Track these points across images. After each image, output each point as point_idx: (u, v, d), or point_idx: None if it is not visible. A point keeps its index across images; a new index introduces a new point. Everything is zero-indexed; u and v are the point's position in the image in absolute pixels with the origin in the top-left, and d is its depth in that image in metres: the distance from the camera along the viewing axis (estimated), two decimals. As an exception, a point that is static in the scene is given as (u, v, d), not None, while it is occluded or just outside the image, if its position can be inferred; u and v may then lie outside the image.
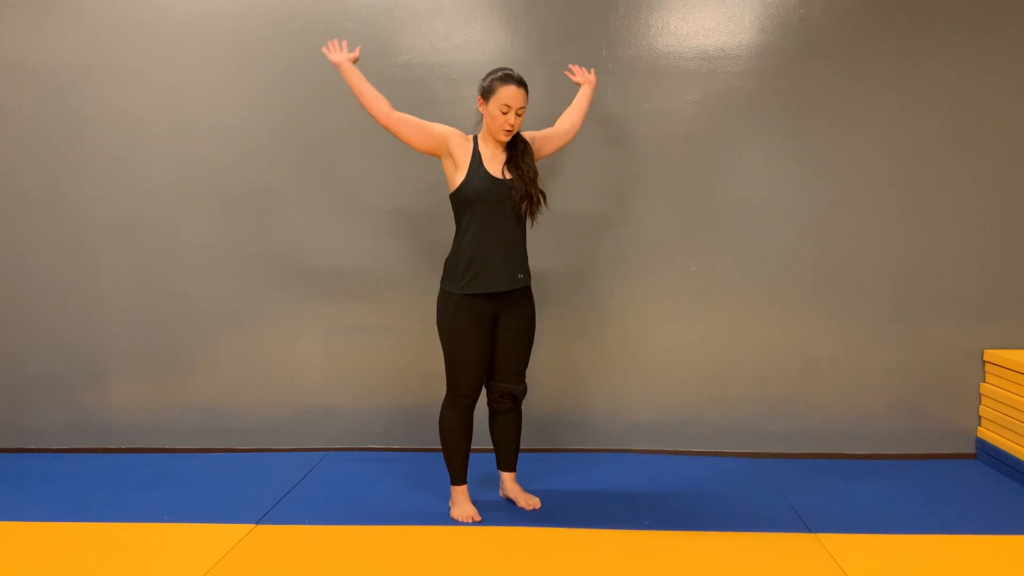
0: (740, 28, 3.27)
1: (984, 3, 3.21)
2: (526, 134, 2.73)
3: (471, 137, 2.67)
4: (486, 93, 2.57)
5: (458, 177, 2.59)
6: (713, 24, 3.28)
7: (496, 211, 2.59)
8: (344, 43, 2.67)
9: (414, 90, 3.33)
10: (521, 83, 2.56)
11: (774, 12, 3.26)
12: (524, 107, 2.58)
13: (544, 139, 2.79)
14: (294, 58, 3.35)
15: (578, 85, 3.01)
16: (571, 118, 2.91)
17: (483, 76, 2.62)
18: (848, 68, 3.26)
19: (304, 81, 3.36)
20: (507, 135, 2.58)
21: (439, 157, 2.66)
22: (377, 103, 2.62)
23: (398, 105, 3.33)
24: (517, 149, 2.65)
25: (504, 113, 2.54)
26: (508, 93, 2.53)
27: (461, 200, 2.60)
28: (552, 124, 2.87)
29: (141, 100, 3.39)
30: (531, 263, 2.77)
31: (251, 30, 3.35)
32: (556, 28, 3.30)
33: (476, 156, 2.60)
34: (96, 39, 3.37)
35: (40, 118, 3.42)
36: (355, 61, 2.65)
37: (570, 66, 3.05)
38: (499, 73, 2.57)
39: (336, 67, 2.65)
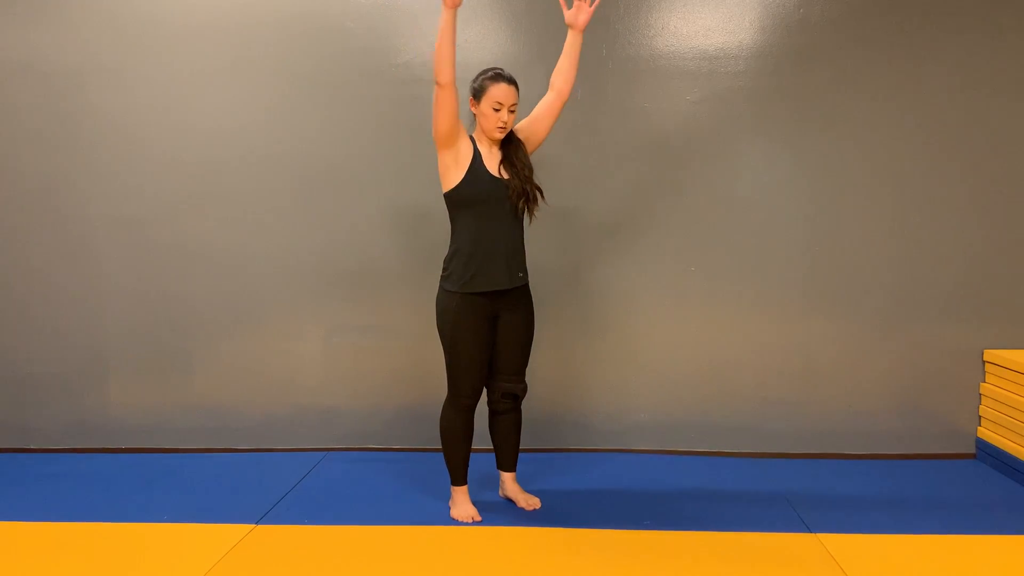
0: (740, 28, 3.27)
1: (983, 5, 3.21)
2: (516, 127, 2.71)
3: (470, 137, 2.67)
4: (477, 93, 2.59)
5: (456, 174, 2.58)
6: (713, 24, 3.28)
7: (495, 210, 2.59)
8: None
9: (414, 90, 3.33)
10: (512, 81, 2.58)
11: (774, 12, 3.26)
12: (516, 104, 2.59)
13: (532, 124, 2.70)
14: (294, 57, 3.35)
15: (567, 27, 2.67)
16: (563, 74, 2.69)
17: (473, 77, 2.63)
18: (848, 68, 3.26)
19: (304, 80, 3.36)
20: (501, 132, 2.59)
21: (446, 148, 2.56)
22: (450, 65, 2.44)
23: (397, 105, 3.36)
24: (511, 145, 2.66)
25: (496, 111, 2.55)
26: (499, 91, 2.54)
27: (459, 200, 2.60)
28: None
29: (141, 100, 3.39)
30: (531, 262, 2.77)
31: (251, 30, 3.34)
32: (556, 28, 3.28)
33: (477, 155, 2.60)
34: (96, 39, 3.37)
35: (40, 118, 3.42)
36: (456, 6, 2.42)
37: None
38: (489, 72, 2.58)
39: (445, 5, 2.40)
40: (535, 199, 2.65)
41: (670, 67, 3.30)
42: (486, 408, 2.84)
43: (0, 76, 3.41)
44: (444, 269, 2.69)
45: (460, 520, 2.72)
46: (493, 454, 2.92)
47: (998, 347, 3.33)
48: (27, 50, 3.38)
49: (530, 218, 2.69)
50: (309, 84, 3.36)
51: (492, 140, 2.63)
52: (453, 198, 2.61)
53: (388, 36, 3.33)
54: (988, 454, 3.28)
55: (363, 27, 3.32)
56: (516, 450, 2.87)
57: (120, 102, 3.40)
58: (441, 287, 2.69)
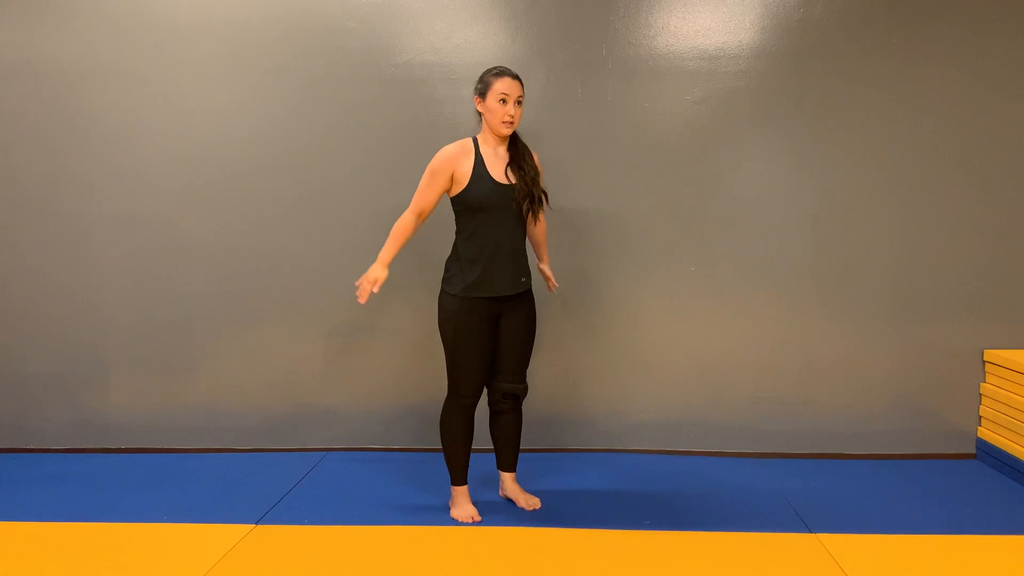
0: (740, 28, 3.27)
1: (984, 4, 3.21)
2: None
3: (470, 140, 2.66)
4: (483, 90, 2.60)
5: (459, 185, 2.59)
6: (713, 24, 3.28)
7: (500, 215, 2.59)
8: (375, 287, 2.64)
9: (414, 90, 3.33)
10: (516, 76, 2.59)
11: (774, 12, 3.26)
12: (522, 96, 2.60)
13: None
14: (294, 58, 3.35)
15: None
16: (538, 238, 2.89)
17: (477, 79, 2.65)
18: (848, 68, 3.26)
19: (303, 80, 3.36)
20: (508, 127, 2.58)
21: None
22: (406, 228, 2.66)
23: (398, 105, 3.36)
24: (518, 149, 2.66)
25: (503, 103, 2.55)
26: (504, 84, 2.55)
27: (464, 205, 2.60)
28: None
29: (140, 100, 3.39)
30: (531, 263, 2.77)
31: (250, 29, 3.35)
32: (556, 28, 3.30)
33: (479, 162, 2.60)
34: (95, 39, 3.37)
35: (40, 118, 3.42)
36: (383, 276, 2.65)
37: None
38: (493, 69, 2.61)
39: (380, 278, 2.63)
40: (540, 203, 2.66)
41: (670, 67, 3.30)
42: (486, 408, 2.84)
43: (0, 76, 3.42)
44: (446, 271, 2.69)
45: (460, 520, 2.72)
46: (493, 454, 2.92)
47: (998, 347, 3.33)
48: (27, 50, 3.38)
49: (534, 220, 2.69)
50: (309, 84, 3.36)
51: (499, 138, 2.63)
52: (460, 202, 2.62)
53: (388, 36, 3.33)
54: (988, 454, 3.28)
55: (363, 27, 3.32)
56: (516, 450, 2.87)
57: (120, 102, 3.40)
58: (443, 289, 2.69)
